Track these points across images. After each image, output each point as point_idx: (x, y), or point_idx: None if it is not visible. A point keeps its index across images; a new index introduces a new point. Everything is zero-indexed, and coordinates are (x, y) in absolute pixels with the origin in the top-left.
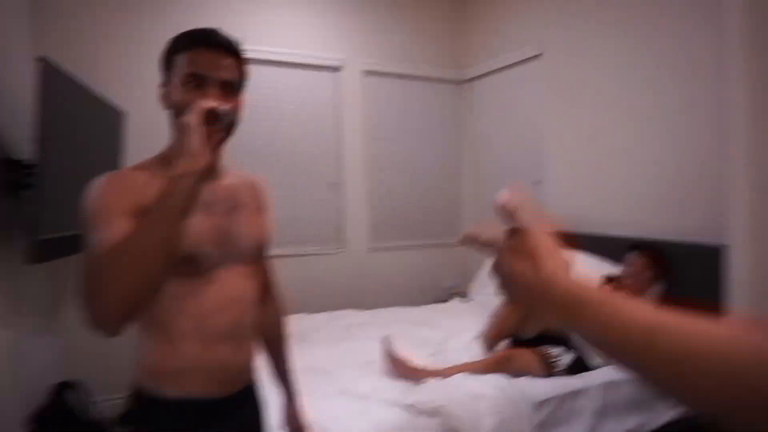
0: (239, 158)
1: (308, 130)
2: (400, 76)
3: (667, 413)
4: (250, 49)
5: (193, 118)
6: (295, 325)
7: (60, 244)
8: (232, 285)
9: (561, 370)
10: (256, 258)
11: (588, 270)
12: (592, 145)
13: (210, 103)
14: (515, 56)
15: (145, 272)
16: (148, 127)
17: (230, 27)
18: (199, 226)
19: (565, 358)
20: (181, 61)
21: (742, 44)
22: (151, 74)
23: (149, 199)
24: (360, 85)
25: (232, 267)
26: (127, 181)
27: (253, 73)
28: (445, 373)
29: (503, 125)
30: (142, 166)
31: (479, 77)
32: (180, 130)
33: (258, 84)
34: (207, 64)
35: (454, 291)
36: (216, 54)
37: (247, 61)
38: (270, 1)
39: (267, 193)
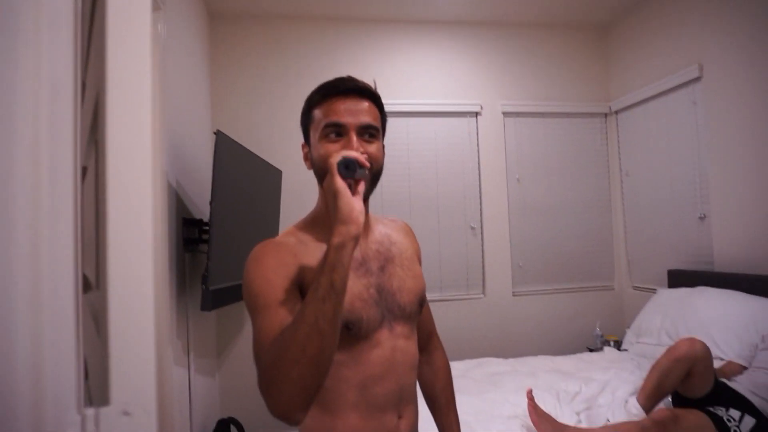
0: (384, 207)
1: (448, 175)
2: (542, 114)
3: None
4: (393, 102)
5: (335, 181)
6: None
7: (227, 293)
8: (394, 347)
9: None
10: (417, 313)
11: (757, 315)
12: (762, 175)
13: (348, 152)
14: (667, 83)
15: (317, 357)
16: (298, 183)
17: (378, 88)
18: (355, 288)
19: (746, 422)
20: (318, 114)
21: None
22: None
23: (306, 268)
24: (499, 126)
25: (393, 326)
26: (282, 251)
27: (398, 125)
28: None
29: (657, 156)
30: (294, 231)
31: (627, 108)
32: (328, 193)
33: (401, 134)
34: (343, 111)
35: (606, 338)
36: (351, 100)
37: (382, 104)
38: (410, 56)
39: (415, 237)
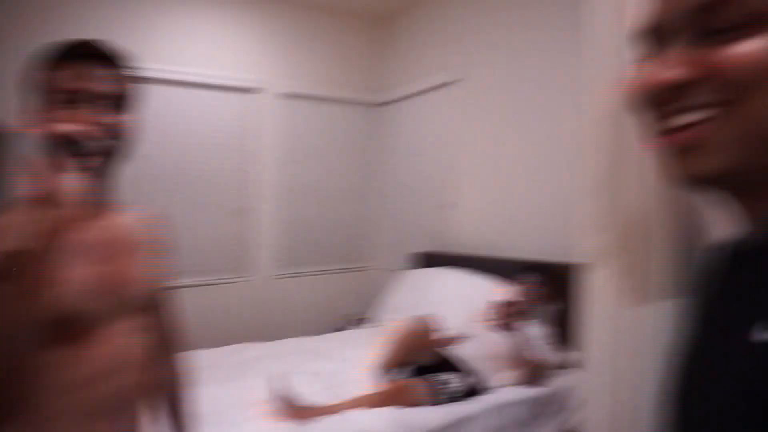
0: (140, 184)
1: (216, 154)
2: (317, 98)
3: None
4: (155, 68)
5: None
6: (189, 364)
7: None
8: (116, 345)
9: (453, 397)
10: (150, 308)
11: (485, 292)
12: (499, 169)
13: (64, 126)
14: (431, 81)
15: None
16: None
17: (136, 46)
18: (75, 278)
19: (457, 384)
20: (47, 79)
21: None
22: None
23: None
24: (275, 107)
25: (118, 323)
26: None
27: (159, 94)
28: (335, 409)
29: (418, 149)
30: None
31: (395, 101)
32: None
33: (164, 106)
34: (76, 77)
35: (355, 318)
36: (88, 66)
37: (131, 72)
38: (180, 20)
39: (164, 229)
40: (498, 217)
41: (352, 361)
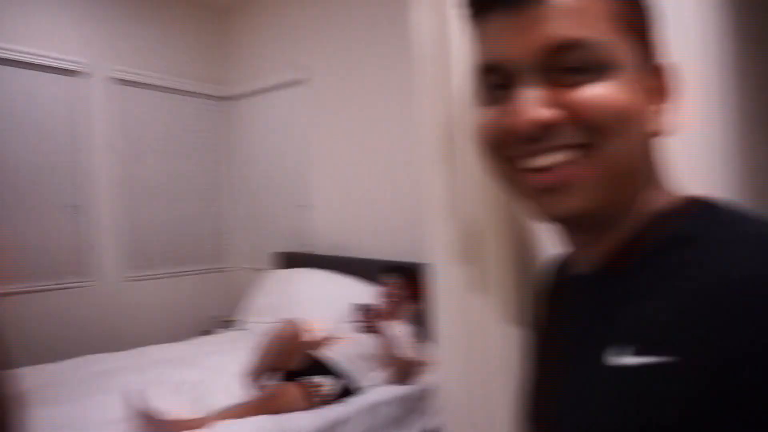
0: None
1: (44, 143)
2: (158, 87)
3: (419, 426)
4: None
5: None
6: (29, 383)
7: None
8: None
9: (327, 400)
10: None
11: (349, 293)
12: (353, 171)
13: None
14: (280, 78)
15: None
16: None
17: None
18: None
19: (330, 386)
20: None
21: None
22: None
23: None
24: (110, 93)
25: None
26: None
27: None
28: (204, 422)
29: (271, 147)
30: None
31: (244, 96)
32: None
33: None
34: None
35: (221, 320)
36: None
37: None
38: None
39: None
40: (355, 217)
41: (218, 369)
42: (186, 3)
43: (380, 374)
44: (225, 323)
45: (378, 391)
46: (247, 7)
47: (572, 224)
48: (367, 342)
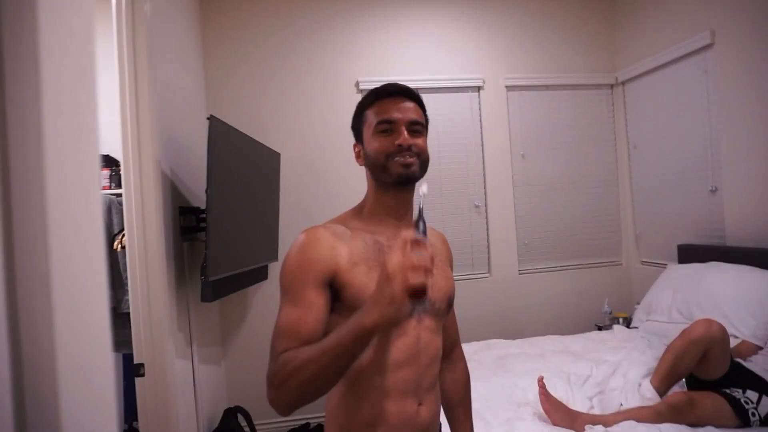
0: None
1: (451, 153)
2: (546, 87)
3: None
4: (393, 79)
5: (397, 259)
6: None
7: (228, 283)
8: (420, 337)
9: (758, 419)
10: (445, 312)
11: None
12: None
13: (411, 233)
14: (677, 51)
15: (320, 388)
16: (296, 165)
17: (376, 64)
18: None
19: (764, 404)
20: (370, 114)
21: None
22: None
23: (344, 257)
24: (503, 100)
25: (422, 318)
26: (323, 244)
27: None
28: (609, 420)
29: (666, 128)
30: (346, 218)
31: (634, 78)
32: (382, 276)
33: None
34: (393, 109)
35: (615, 316)
36: (400, 99)
37: (424, 105)
38: (408, 30)
39: (449, 247)
40: None
41: (621, 366)
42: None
43: None
44: (619, 319)
45: None
46: None
47: (411, 183)
48: None
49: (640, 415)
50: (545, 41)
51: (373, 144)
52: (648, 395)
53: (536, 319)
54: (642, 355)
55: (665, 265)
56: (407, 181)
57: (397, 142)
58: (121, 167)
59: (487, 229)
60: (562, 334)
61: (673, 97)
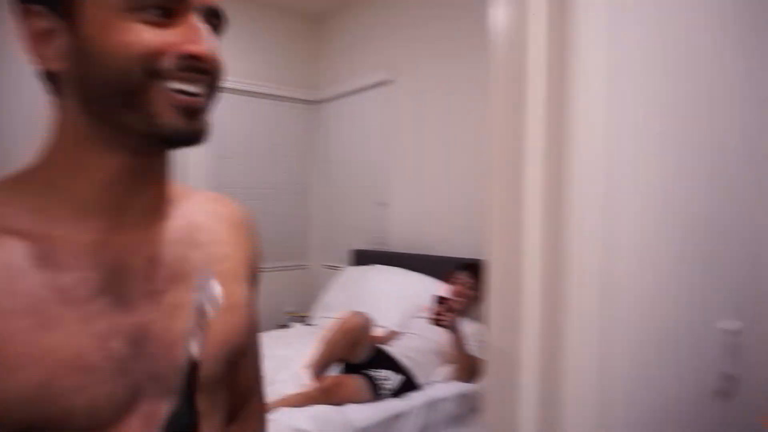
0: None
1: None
2: (250, 93)
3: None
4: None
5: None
6: None
7: None
8: None
9: (387, 393)
10: (223, 373)
11: (419, 290)
12: (431, 169)
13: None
14: (367, 80)
15: None
16: None
17: None
18: (69, 343)
19: (393, 380)
20: None
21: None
22: None
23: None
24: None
25: (156, 409)
26: None
27: None
28: (270, 409)
29: (353, 148)
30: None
31: (331, 99)
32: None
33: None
34: None
35: (296, 315)
36: None
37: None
38: None
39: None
40: (429, 216)
41: (288, 359)
42: (280, 12)
43: (444, 371)
44: (299, 318)
45: (439, 388)
46: (339, 14)
47: (191, 144)
48: (434, 337)
49: (295, 401)
50: (251, 48)
51: (122, 35)
52: (304, 382)
53: None
54: (310, 349)
55: (341, 267)
56: (191, 143)
57: (188, 47)
58: None
59: None
60: None
61: (360, 120)
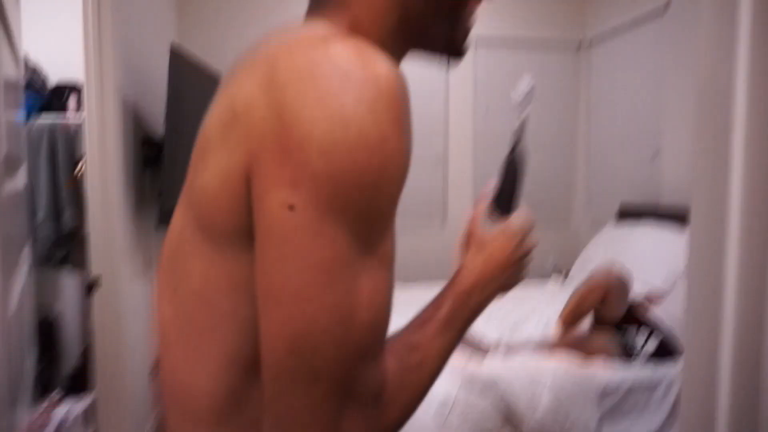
0: None
1: (414, 106)
2: (513, 41)
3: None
4: None
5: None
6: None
7: None
8: None
9: (642, 357)
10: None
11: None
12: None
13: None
14: (637, 12)
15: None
16: None
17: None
18: None
19: (649, 343)
20: None
21: None
22: None
23: None
24: (468, 55)
25: None
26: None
27: None
28: (512, 350)
29: (622, 93)
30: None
31: (599, 40)
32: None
33: None
34: None
35: (556, 269)
36: None
37: None
38: None
39: None
40: None
41: (537, 309)
42: None
43: None
44: (561, 273)
45: None
46: None
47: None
48: None
49: (539, 347)
50: None
51: None
52: (552, 332)
53: None
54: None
55: (607, 223)
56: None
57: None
58: (84, 92)
59: (446, 182)
60: None
61: (632, 59)
